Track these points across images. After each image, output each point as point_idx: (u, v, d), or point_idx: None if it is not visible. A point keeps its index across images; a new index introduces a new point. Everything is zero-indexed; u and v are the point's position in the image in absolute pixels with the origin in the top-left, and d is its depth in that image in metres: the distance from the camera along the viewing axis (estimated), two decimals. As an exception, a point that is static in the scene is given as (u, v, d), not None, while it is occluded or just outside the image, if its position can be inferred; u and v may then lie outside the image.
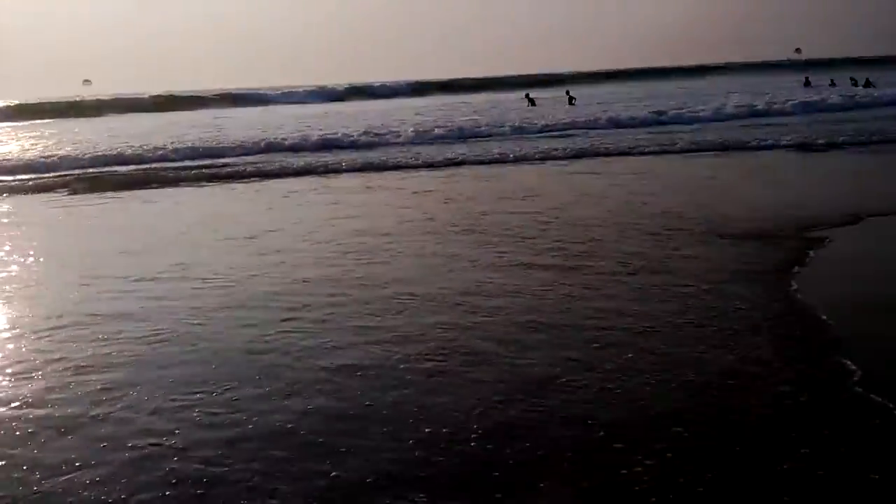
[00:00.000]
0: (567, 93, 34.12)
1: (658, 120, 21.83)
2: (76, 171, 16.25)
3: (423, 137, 20.04)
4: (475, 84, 51.12)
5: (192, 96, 44.57)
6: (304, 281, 6.59)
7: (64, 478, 3.52)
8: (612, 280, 6.17)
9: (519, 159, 15.02)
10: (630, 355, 4.62)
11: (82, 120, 35.71)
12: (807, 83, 38.83)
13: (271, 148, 19.11)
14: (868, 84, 34.45)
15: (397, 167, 14.78)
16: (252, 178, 14.29)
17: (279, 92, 48.30)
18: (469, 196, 11.01)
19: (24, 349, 5.28)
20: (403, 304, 5.81)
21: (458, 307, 5.65)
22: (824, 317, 5.16)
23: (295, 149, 18.91)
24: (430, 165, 14.87)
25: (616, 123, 21.50)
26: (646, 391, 4.15)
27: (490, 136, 20.33)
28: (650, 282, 6.07)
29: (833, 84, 38.22)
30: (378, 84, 52.01)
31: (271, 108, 41.12)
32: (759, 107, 23.59)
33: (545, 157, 14.91)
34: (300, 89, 49.32)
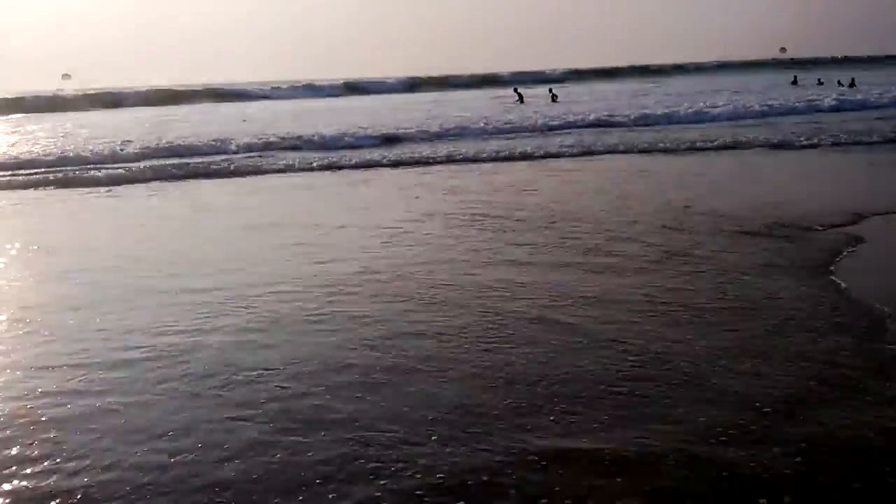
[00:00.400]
0: (550, 90, 34.14)
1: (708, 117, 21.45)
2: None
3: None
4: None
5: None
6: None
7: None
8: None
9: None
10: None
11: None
12: (794, 82, 38.97)
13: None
14: (853, 84, 34.63)
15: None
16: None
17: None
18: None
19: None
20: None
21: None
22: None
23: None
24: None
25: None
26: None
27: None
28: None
29: (821, 83, 38.53)
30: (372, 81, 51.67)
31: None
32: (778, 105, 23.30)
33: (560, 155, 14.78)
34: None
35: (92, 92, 44.99)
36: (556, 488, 3.05)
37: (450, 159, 14.47)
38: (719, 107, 23.16)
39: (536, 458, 3.25)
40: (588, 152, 14.98)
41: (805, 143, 15.00)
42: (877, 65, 63.68)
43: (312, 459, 3.33)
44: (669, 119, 21.17)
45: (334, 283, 5.98)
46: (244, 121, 25.67)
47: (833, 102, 23.86)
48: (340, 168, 14.18)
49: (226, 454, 3.40)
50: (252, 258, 7.09)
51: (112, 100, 41.09)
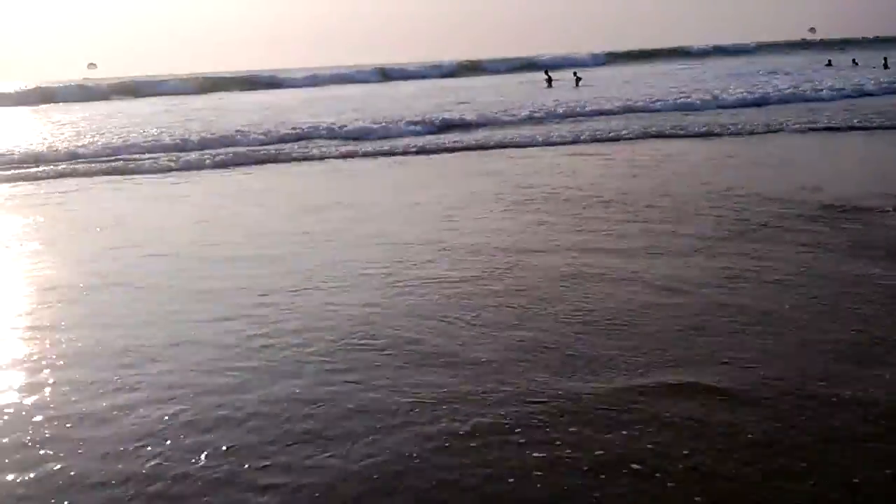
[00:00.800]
0: (574, 74, 34.30)
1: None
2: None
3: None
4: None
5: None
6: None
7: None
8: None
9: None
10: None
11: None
12: (829, 64, 38.55)
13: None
14: (886, 66, 34.17)
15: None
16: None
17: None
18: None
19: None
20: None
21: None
22: None
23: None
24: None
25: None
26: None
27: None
28: None
29: (855, 63, 38.08)
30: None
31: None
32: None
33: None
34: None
35: (127, 81, 45.50)
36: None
37: (548, 142, 14.85)
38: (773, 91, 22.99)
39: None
40: (649, 135, 15.01)
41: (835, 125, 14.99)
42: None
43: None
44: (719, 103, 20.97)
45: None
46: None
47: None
48: (403, 153, 14.36)
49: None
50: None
51: (149, 90, 41.52)
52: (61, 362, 4.44)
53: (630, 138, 14.79)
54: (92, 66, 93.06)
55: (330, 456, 3.25)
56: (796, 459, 3.06)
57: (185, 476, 3.14)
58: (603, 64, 53.40)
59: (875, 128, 14.66)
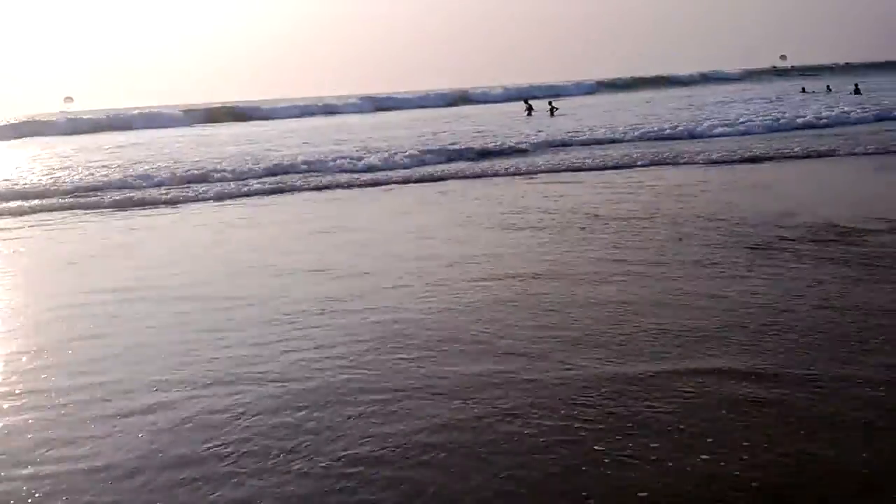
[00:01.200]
0: (549, 103, 34.02)
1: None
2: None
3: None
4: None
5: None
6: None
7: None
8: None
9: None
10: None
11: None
12: (804, 90, 39.63)
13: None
14: (857, 91, 35.27)
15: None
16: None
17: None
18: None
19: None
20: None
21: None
22: None
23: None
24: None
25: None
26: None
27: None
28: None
29: (829, 90, 39.25)
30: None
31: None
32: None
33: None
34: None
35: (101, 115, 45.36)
36: None
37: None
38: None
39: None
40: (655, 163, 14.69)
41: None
42: (876, 70, 64.70)
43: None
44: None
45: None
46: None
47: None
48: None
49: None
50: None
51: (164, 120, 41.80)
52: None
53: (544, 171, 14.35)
54: (69, 99, 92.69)
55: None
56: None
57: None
58: (591, 93, 54.48)
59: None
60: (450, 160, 16.86)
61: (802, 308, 5.07)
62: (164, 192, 13.78)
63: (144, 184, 14.90)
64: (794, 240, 7.04)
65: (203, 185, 14.50)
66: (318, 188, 13.91)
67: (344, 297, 5.93)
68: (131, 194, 13.54)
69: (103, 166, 18.55)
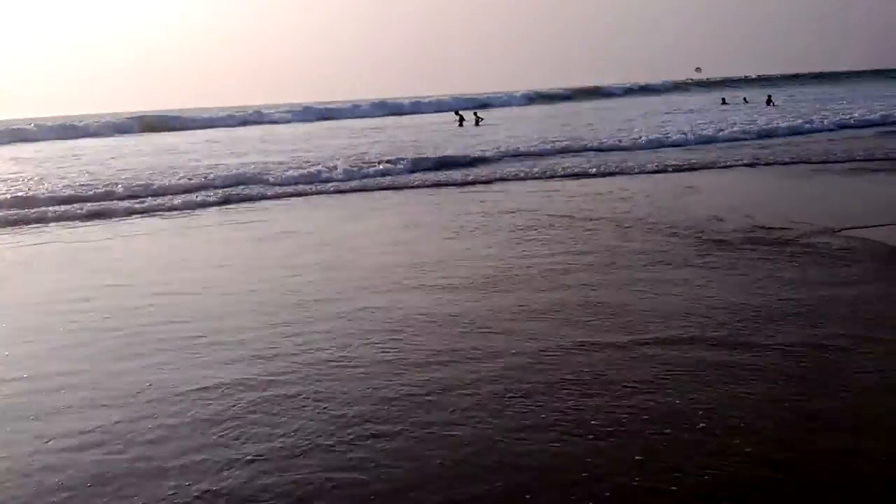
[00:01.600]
0: (475, 114, 35.02)
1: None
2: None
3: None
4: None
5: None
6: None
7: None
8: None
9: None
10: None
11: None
12: (724, 102, 41.51)
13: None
14: (770, 102, 37.43)
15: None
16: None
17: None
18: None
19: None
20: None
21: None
22: None
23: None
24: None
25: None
26: None
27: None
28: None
29: (746, 101, 41.29)
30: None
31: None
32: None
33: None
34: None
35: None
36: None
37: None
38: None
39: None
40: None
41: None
42: (788, 82, 68.21)
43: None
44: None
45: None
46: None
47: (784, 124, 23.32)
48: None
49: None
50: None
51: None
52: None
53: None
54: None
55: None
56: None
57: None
58: (526, 104, 55.71)
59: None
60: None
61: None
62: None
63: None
64: (728, 241, 7.81)
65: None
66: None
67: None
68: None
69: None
